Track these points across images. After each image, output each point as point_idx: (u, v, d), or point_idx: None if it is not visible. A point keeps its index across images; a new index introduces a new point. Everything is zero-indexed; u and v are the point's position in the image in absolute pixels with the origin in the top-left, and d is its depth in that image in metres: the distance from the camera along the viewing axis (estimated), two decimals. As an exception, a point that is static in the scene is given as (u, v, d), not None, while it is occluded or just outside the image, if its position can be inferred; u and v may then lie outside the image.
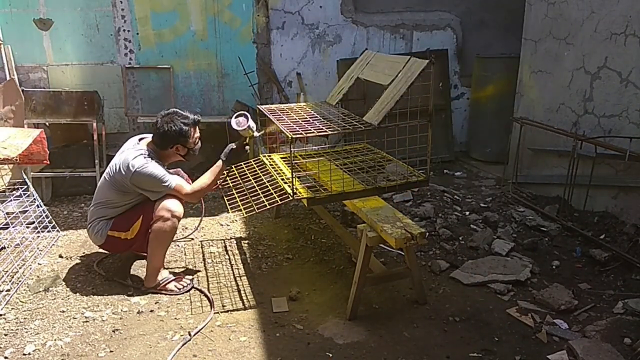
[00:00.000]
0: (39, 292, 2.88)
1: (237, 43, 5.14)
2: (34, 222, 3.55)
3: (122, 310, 2.70)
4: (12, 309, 2.72)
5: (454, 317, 2.63)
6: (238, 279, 3.06)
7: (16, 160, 2.98)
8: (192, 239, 3.61)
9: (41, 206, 3.67)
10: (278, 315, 2.66)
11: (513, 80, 4.76)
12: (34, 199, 3.65)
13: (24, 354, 2.34)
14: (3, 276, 2.98)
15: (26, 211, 3.58)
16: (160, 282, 2.87)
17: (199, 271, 3.15)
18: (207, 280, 3.03)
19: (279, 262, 3.27)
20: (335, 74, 5.29)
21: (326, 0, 5.19)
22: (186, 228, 3.77)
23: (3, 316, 2.64)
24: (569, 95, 3.98)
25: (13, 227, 3.37)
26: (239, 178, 3.14)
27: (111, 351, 2.37)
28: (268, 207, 2.65)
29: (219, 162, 2.96)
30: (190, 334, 2.44)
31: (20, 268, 3.10)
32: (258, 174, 3.14)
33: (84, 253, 3.37)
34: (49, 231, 3.60)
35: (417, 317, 2.65)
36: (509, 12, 5.35)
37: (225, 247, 3.50)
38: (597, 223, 3.58)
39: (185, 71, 5.13)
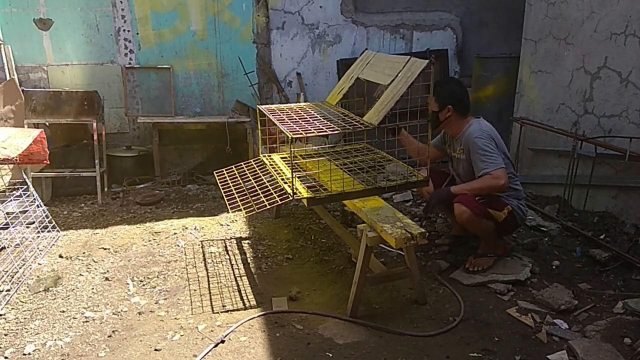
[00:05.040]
0: (39, 292, 2.88)
1: (237, 43, 5.14)
2: (34, 222, 3.55)
3: (122, 310, 2.70)
4: (12, 309, 2.72)
5: (454, 317, 2.62)
6: (238, 279, 3.06)
7: (16, 160, 2.98)
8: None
9: (41, 206, 3.66)
10: (278, 315, 2.66)
11: (513, 80, 4.76)
12: (34, 199, 3.64)
13: (24, 354, 2.34)
14: (3, 276, 2.98)
15: (26, 211, 3.58)
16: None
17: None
18: (208, 280, 3.03)
19: (279, 262, 3.27)
20: (335, 74, 5.29)
21: (326, 0, 5.19)
22: (185, 228, 3.77)
23: (3, 316, 2.64)
24: (569, 95, 3.98)
25: (13, 227, 3.37)
26: (239, 178, 3.14)
27: (111, 351, 2.37)
28: (268, 207, 2.65)
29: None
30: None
31: (20, 268, 3.10)
32: (258, 174, 3.14)
33: (84, 253, 3.37)
34: (49, 231, 3.60)
35: (417, 317, 2.65)
36: (509, 12, 5.34)
37: (225, 247, 3.50)
38: (597, 223, 3.57)
39: (185, 71, 5.13)
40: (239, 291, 2.91)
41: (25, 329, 2.54)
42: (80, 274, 3.09)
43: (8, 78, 4.57)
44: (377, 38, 5.37)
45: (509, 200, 2.94)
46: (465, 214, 2.81)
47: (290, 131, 2.58)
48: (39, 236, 3.52)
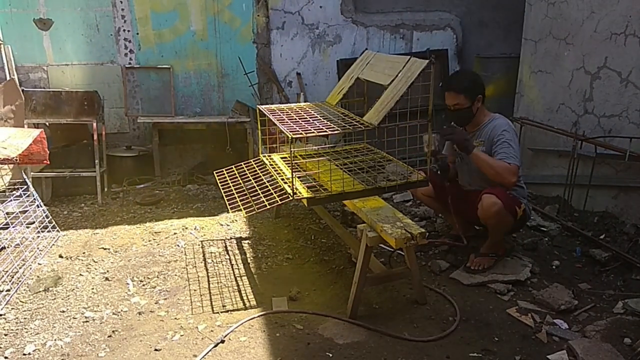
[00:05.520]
0: (39, 292, 2.88)
1: (237, 43, 5.14)
2: (34, 222, 3.55)
3: (122, 310, 2.70)
4: (12, 309, 2.72)
5: (453, 317, 2.63)
6: (238, 279, 3.06)
7: (16, 160, 2.97)
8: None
9: (41, 206, 3.66)
10: (278, 315, 2.66)
11: (513, 80, 4.76)
12: (34, 199, 3.64)
13: (24, 354, 2.35)
14: (3, 276, 2.98)
15: (26, 211, 3.58)
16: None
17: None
18: (208, 280, 3.03)
19: (279, 262, 3.27)
20: (335, 74, 5.29)
21: (326, 0, 5.19)
22: (185, 228, 3.77)
23: (3, 316, 2.64)
24: (569, 95, 3.98)
25: (13, 227, 3.37)
26: (239, 178, 3.14)
27: (111, 351, 2.37)
28: (268, 207, 2.65)
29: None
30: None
31: (20, 268, 3.10)
32: (258, 174, 3.14)
33: (84, 253, 3.37)
34: (49, 231, 3.60)
35: (417, 317, 2.65)
36: (509, 12, 5.35)
37: (226, 247, 3.50)
38: (597, 223, 3.57)
39: (185, 71, 5.13)
40: (239, 291, 2.91)
41: (25, 329, 2.54)
42: (80, 274, 3.09)
43: (8, 78, 4.57)
44: (377, 38, 5.37)
45: (521, 199, 2.95)
46: (496, 205, 2.75)
47: (290, 131, 2.58)
48: (39, 236, 3.52)
